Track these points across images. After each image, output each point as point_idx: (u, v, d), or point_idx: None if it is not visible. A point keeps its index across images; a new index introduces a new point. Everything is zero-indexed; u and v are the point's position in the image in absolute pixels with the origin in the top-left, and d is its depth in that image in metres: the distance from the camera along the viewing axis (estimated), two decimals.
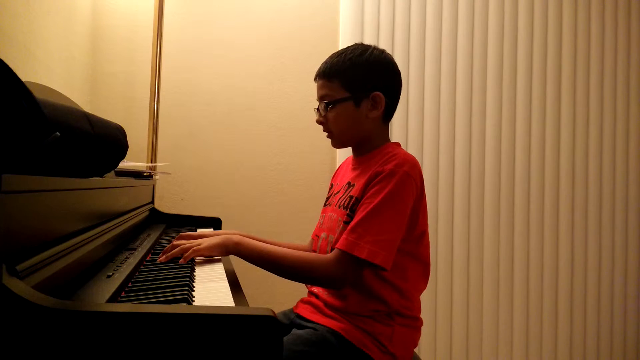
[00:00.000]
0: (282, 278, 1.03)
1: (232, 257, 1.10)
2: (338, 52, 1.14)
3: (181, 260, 0.99)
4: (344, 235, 0.99)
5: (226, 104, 2.11)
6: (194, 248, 1.00)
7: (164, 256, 1.00)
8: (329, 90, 1.11)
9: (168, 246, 1.05)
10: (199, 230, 1.20)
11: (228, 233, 1.18)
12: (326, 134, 1.17)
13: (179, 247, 1.01)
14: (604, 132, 2.36)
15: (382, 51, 1.13)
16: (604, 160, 2.35)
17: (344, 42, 2.13)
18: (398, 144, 1.15)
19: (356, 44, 1.14)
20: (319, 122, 1.15)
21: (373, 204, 0.98)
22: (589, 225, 2.34)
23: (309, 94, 2.15)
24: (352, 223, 1.00)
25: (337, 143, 1.17)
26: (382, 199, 0.98)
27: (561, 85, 2.32)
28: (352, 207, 1.06)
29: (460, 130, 2.23)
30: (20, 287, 0.49)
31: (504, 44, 2.27)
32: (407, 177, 1.00)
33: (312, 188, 2.15)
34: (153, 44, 1.90)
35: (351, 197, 1.08)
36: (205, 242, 1.02)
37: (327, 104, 1.11)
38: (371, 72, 1.10)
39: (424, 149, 2.20)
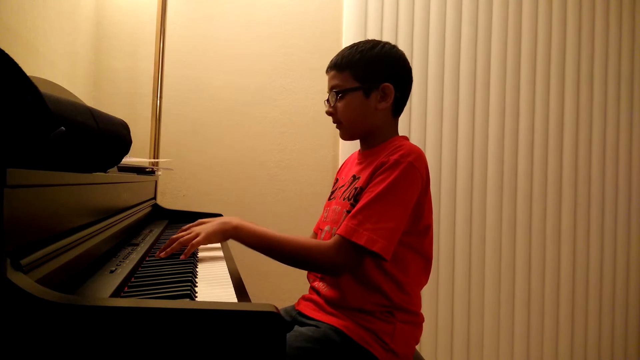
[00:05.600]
0: (284, 275, 1.03)
1: (233, 250, 1.10)
2: (350, 45, 1.15)
3: (181, 257, 0.98)
4: (344, 221, 0.99)
5: (229, 100, 2.11)
6: (193, 242, 1.00)
7: (163, 252, 1.00)
8: (339, 80, 1.12)
9: (168, 241, 1.04)
10: (198, 220, 1.20)
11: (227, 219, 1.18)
12: (335, 126, 1.17)
13: (177, 242, 1.01)
14: (607, 131, 2.35)
15: (394, 46, 1.15)
16: (607, 157, 2.35)
17: (347, 39, 2.12)
18: (405, 138, 1.15)
19: (369, 39, 1.16)
20: (328, 112, 1.16)
21: (375, 192, 0.99)
22: (591, 220, 2.34)
23: (311, 90, 2.15)
24: (354, 210, 1.00)
25: (346, 134, 1.17)
26: (385, 188, 0.98)
27: (565, 83, 2.31)
28: (356, 197, 1.06)
29: (463, 127, 2.23)
30: (24, 281, 0.49)
31: (507, 41, 2.26)
32: (412, 167, 1.00)
33: (314, 185, 2.15)
34: (156, 40, 1.89)
35: (356, 188, 1.08)
36: (203, 232, 1.01)
37: (336, 93, 1.12)
38: (381, 64, 1.11)
39: (427, 145, 2.20)
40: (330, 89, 1.14)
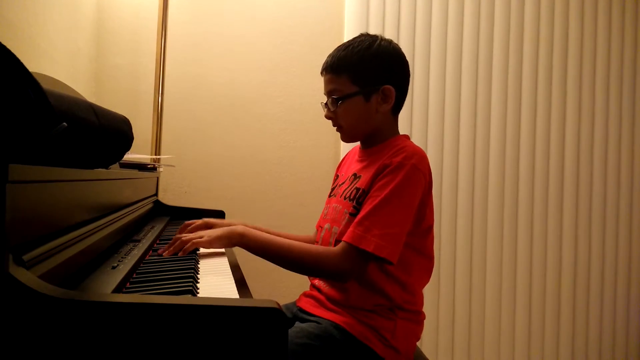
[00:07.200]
0: (284, 271, 1.03)
1: (235, 249, 1.10)
2: (345, 44, 1.11)
3: (180, 253, 0.98)
4: (350, 228, 0.99)
5: (230, 97, 2.11)
6: (194, 240, 0.99)
7: (166, 251, 1.00)
8: (337, 85, 1.09)
9: (173, 239, 1.04)
10: (204, 219, 1.19)
11: (233, 223, 1.17)
12: (335, 128, 1.15)
13: (180, 241, 1.01)
14: (609, 130, 2.34)
15: (390, 42, 1.11)
16: (609, 158, 2.34)
17: (349, 35, 2.11)
18: (407, 137, 1.14)
19: (362, 35, 1.12)
20: (327, 117, 1.14)
21: (380, 197, 0.98)
22: (592, 221, 2.33)
23: (312, 87, 2.14)
24: (359, 216, 0.99)
25: (347, 137, 1.16)
26: (390, 192, 0.98)
27: (567, 81, 2.30)
28: (358, 199, 1.05)
29: (464, 125, 2.22)
30: (26, 276, 0.49)
31: (509, 38, 2.25)
32: (416, 170, 0.99)
33: (315, 182, 2.15)
34: (158, 37, 1.89)
35: (357, 189, 1.07)
36: (207, 235, 1.01)
37: (336, 100, 1.09)
38: (380, 66, 1.08)
39: (428, 144, 2.19)
40: (328, 93, 1.11)
